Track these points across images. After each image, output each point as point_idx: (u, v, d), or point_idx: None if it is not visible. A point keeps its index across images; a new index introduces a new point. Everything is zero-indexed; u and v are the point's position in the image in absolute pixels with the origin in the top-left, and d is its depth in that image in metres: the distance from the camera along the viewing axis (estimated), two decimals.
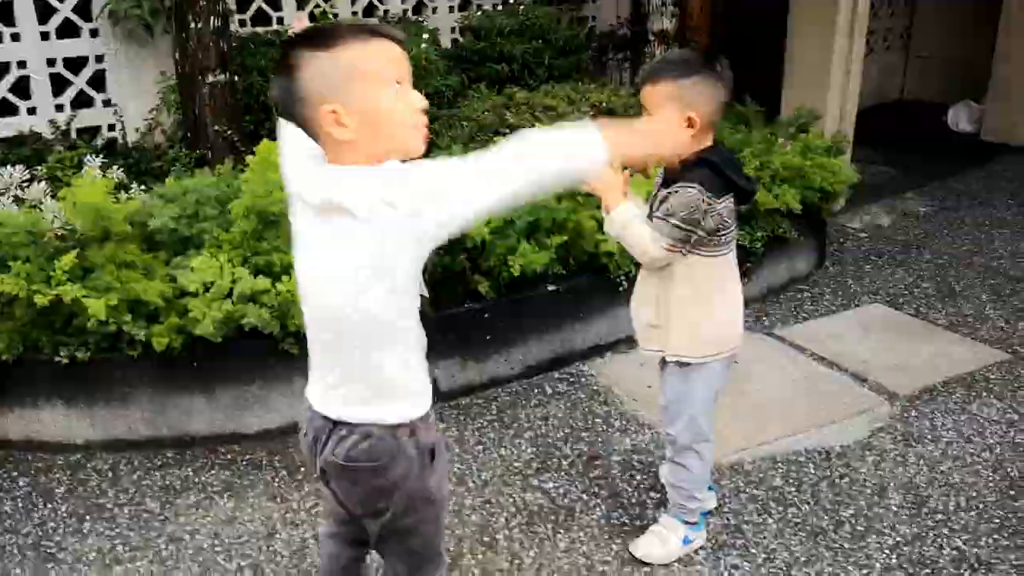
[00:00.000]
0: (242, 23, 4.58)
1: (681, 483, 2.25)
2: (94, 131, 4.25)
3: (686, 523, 2.28)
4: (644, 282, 2.17)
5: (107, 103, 4.28)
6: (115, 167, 3.30)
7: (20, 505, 2.58)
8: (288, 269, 2.69)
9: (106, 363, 2.72)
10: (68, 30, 4.14)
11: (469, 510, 2.50)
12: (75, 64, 4.20)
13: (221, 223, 2.84)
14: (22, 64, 4.05)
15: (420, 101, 1.39)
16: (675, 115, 1.94)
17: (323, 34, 1.33)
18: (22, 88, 4.09)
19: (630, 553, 2.29)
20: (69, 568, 2.31)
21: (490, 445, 2.84)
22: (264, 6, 4.66)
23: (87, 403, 2.79)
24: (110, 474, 2.72)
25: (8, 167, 3.27)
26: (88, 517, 2.51)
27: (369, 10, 4.99)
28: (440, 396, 3.07)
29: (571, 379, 3.25)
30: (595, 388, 3.18)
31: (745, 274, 3.72)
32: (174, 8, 3.69)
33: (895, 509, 2.48)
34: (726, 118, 4.10)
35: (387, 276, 1.35)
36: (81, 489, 2.64)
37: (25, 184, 3.18)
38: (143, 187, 3.18)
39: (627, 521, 2.44)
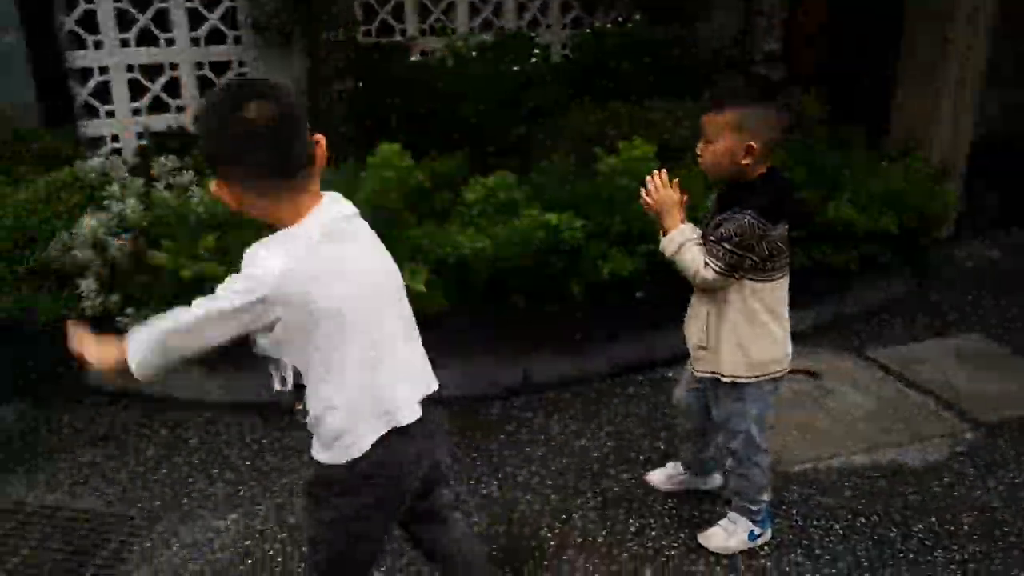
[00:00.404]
0: (367, 33, 4.94)
1: (745, 491, 2.38)
2: None
3: (752, 520, 2.41)
4: (696, 304, 2.26)
5: None
6: None
7: (160, 451, 2.95)
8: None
9: None
10: (216, 37, 4.59)
11: (549, 490, 2.70)
12: (220, 67, 4.64)
13: None
14: (174, 66, 4.52)
15: None
16: (735, 142, 2.06)
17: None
18: (174, 88, 4.56)
19: (697, 542, 2.44)
20: (198, 504, 2.65)
21: (573, 435, 3.03)
22: (388, 19, 5.01)
23: (220, 368, 3.15)
24: (236, 431, 3.07)
25: (162, 157, 3.69)
26: (216, 465, 2.86)
27: (486, 25, 5.28)
28: (532, 388, 3.28)
29: (654, 383, 3.40)
30: None
31: (838, 291, 3.80)
32: (308, 19, 4.06)
33: (966, 528, 2.52)
34: (827, 139, 4.18)
35: None
36: (211, 442, 3.00)
37: (175, 172, 3.58)
38: None
39: (696, 515, 2.58)
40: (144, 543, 2.47)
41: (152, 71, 4.48)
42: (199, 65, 4.58)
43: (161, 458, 2.91)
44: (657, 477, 2.70)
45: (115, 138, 4.48)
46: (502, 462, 2.86)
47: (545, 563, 2.37)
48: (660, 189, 2.22)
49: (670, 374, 3.45)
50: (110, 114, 4.46)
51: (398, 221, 3.10)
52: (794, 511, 2.59)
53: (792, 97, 4.47)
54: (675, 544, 2.45)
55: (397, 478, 1.62)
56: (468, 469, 2.81)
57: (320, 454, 1.60)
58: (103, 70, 4.39)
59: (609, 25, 5.27)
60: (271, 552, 2.42)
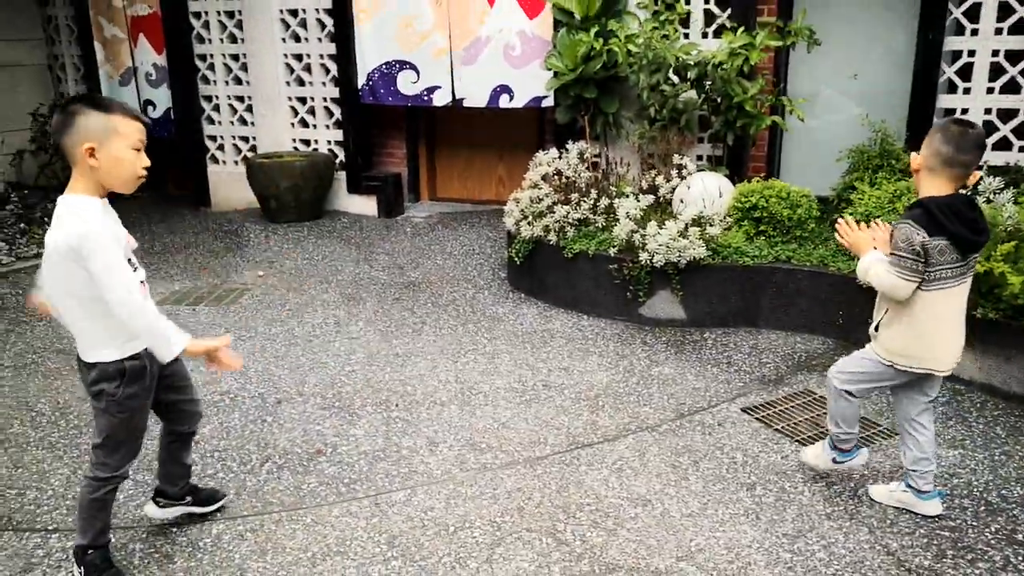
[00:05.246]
0: None
1: (925, 458, 2.80)
2: None
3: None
4: (892, 314, 2.69)
5: None
6: None
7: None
8: None
9: (1009, 327, 3.58)
10: None
11: None
12: None
13: None
14: None
15: None
16: (915, 155, 2.63)
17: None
18: (1020, 130, 5.07)
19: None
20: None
21: None
22: None
23: (1005, 355, 3.67)
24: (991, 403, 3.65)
25: (989, 178, 4.29)
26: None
27: None
28: None
29: None
30: None
31: None
32: None
33: None
34: None
35: None
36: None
37: (998, 191, 4.20)
38: None
39: None
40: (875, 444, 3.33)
41: (1005, 114, 5.10)
42: None
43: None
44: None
45: None
46: None
47: None
48: (854, 229, 2.77)
49: None
50: None
51: None
52: None
53: None
54: None
55: None
56: None
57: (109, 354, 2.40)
58: (964, 111, 5.19)
59: None
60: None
